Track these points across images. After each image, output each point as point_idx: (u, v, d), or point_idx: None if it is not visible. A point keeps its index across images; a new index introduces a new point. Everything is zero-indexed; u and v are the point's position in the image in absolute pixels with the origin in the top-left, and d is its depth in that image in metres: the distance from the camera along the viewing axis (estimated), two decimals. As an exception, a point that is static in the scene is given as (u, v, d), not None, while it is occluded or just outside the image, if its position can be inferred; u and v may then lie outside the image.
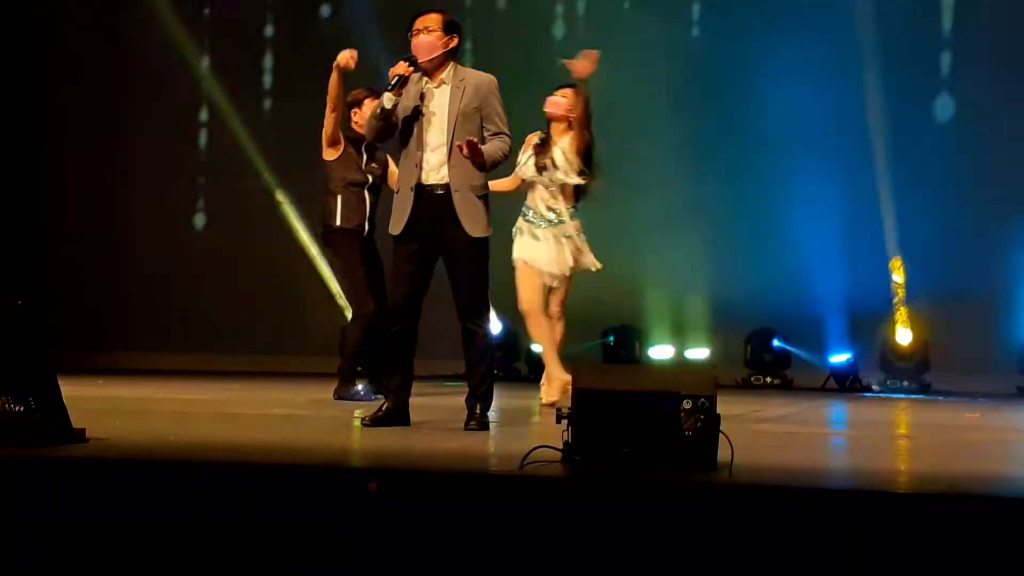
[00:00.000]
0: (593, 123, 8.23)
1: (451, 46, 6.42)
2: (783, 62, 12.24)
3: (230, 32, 13.78)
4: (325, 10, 13.63)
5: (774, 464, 5.19)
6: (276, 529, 4.28)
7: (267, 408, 7.96)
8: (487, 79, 6.43)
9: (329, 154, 8.48)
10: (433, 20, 6.40)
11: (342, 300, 10.41)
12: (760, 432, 6.78)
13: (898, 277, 11.82)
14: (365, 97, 8.48)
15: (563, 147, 8.16)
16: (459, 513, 4.20)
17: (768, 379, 12.19)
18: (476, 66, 6.63)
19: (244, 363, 12.44)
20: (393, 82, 6.31)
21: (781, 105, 12.19)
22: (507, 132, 6.41)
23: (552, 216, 8.23)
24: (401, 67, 6.33)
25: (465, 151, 6.18)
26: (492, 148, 6.31)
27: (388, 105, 6.33)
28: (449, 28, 6.41)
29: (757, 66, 12.33)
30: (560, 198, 8.24)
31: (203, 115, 13.69)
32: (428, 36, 6.38)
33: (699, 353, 12.39)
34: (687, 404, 4.55)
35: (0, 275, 12.41)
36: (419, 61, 6.34)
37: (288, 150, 12.53)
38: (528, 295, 8.18)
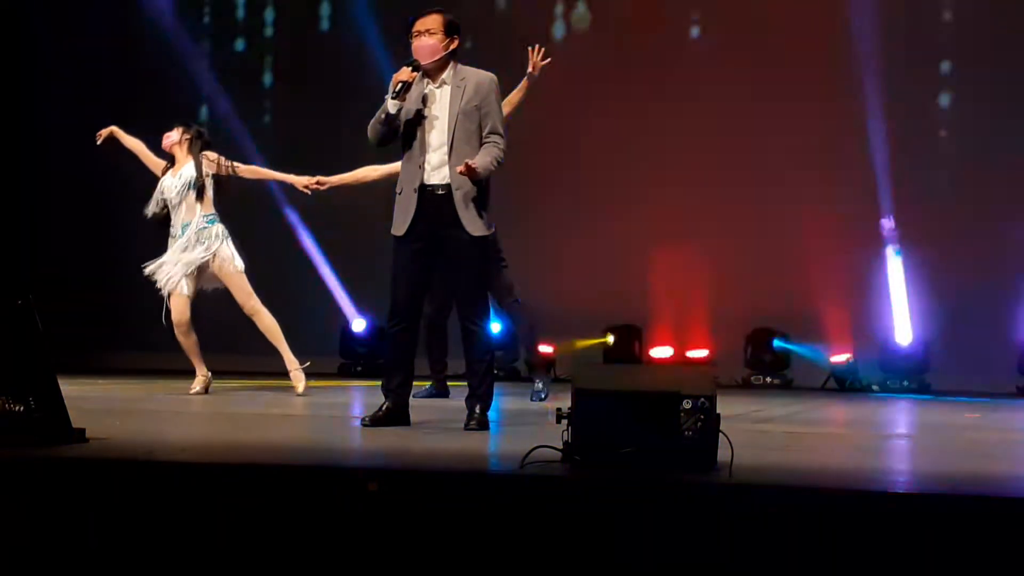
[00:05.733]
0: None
1: (452, 48, 6.42)
2: (782, 62, 12.26)
3: (230, 32, 13.79)
4: (325, 9, 13.64)
5: (774, 464, 5.18)
6: (276, 529, 4.28)
7: (267, 408, 7.96)
8: (488, 77, 6.43)
9: None
10: (433, 22, 6.40)
11: None
12: (760, 432, 6.78)
13: None
14: None
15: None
16: (459, 513, 4.20)
17: (768, 379, 12.20)
18: (475, 66, 6.61)
19: (244, 363, 12.43)
20: (396, 88, 6.32)
21: (781, 105, 12.21)
22: (502, 132, 6.40)
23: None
24: (404, 73, 6.34)
25: (463, 170, 6.19)
26: (486, 161, 6.29)
27: (392, 111, 6.34)
28: (450, 30, 6.41)
29: (756, 66, 12.35)
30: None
31: (203, 115, 13.69)
32: (429, 39, 6.38)
33: (699, 353, 12.39)
34: (687, 404, 4.55)
35: (0, 275, 12.42)
36: (421, 65, 6.36)
37: (288, 149, 12.54)
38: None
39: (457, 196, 6.30)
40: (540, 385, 8.78)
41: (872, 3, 12.16)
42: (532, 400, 8.62)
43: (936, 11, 12.36)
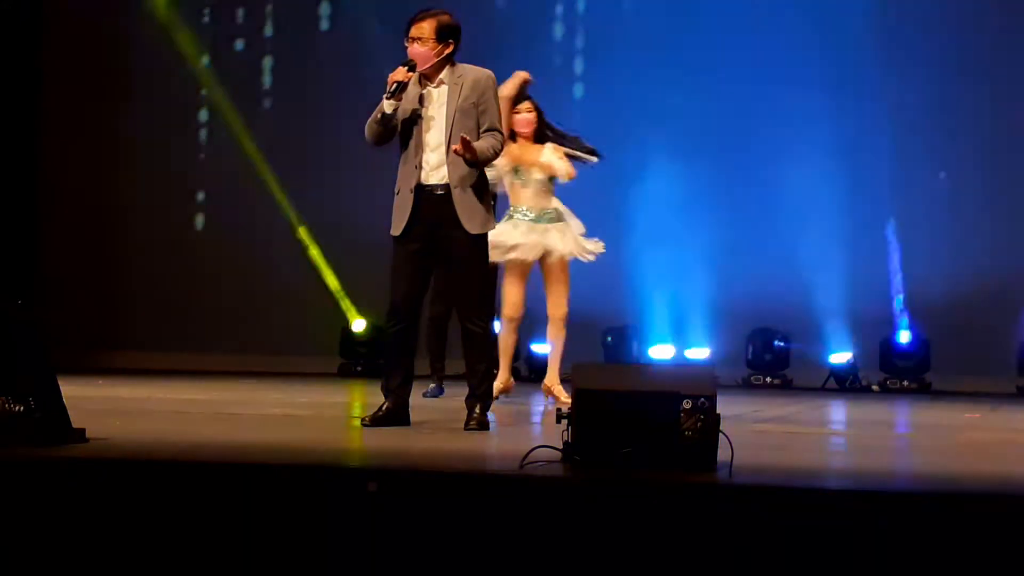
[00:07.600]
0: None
1: (446, 53, 6.39)
2: (783, 61, 12.25)
3: (230, 32, 13.78)
4: (325, 9, 13.63)
5: (774, 464, 5.19)
6: (276, 529, 4.28)
7: (267, 408, 7.97)
8: (485, 74, 6.43)
9: None
10: (426, 28, 6.36)
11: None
12: (760, 432, 6.78)
13: None
14: None
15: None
16: (459, 513, 4.20)
17: (768, 379, 12.18)
18: (475, 65, 6.60)
19: (244, 363, 12.43)
20: (392, 88, 6.31)
21: (781, 104, 12.20)
22: (499, 128, 6.41)
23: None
24: (400, 73, 6.32)
25: (458, 147, 6.18)
26: (484, 145, 6.30)
27: (389, 111, 6.33)
28: (442, 35, 6.36)
29: (757, 65, 12.34)
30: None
31: (203, 115, 13.69)
32: (421, 47, 6.35)
33: (699, 353, 12.38)
34: (687, 404, 4.55)
35: (0, 275, 12.40)
36: (417, 66, 6.36)
37: (288, 150, 12.54)
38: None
39: (456, 194, 6.29)
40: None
41: (873, 4, 12.16)
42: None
43: (936, 11, 12.35)
